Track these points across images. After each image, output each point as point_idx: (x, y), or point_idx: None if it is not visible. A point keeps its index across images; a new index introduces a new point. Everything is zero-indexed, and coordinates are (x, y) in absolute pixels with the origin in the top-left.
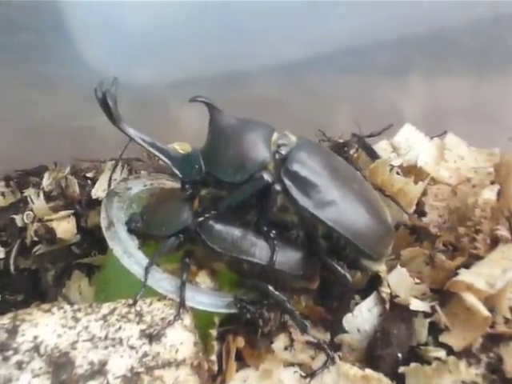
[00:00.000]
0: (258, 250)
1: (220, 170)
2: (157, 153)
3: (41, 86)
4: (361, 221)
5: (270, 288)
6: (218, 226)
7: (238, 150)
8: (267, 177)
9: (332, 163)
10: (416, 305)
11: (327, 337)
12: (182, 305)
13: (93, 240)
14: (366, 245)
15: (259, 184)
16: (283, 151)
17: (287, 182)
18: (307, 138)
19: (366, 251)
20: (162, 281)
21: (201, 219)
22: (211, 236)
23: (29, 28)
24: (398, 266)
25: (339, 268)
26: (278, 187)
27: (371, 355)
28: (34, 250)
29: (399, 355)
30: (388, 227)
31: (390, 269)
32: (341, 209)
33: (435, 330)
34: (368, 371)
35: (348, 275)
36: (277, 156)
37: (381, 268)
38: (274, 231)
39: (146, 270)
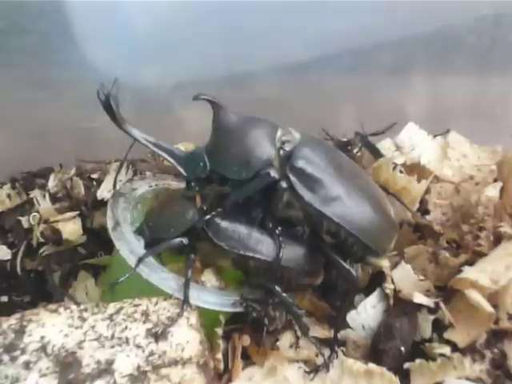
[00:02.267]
0: (265, 246)
1: (225, 167)
2: (161, 152)
3: (46, 88)
4: (366, 216)
5: (277, 289)
6: (225, 224)
7: (243, 146)
8: (274, 173)
9: (336, 159)
10: (419, 298)
11: (331, 333)
12: (185, 301)
13: (98, 241)
14: (371, 240)
15: (266, 180)
16: (287, 148)
17: (293, 178)
18: (310, 134)
19: (371, 246)
20: (168, 280)
21: (208, 217)
22: (218, 233)
23: (34, 30)
24: (403, 263)
25: (344, 263)
26: (284, 184)
27: (374, 350)
28: (41, 251)
29: (402, 349)
30: (392, 222)
31: (394, 265)
32: (346, 204)
33: (440, 327)
34: (371, 365)
35: (353, 270)
36: (281, 153)
37: (384, 264)
38: (279, 228)
39: (139, 259)
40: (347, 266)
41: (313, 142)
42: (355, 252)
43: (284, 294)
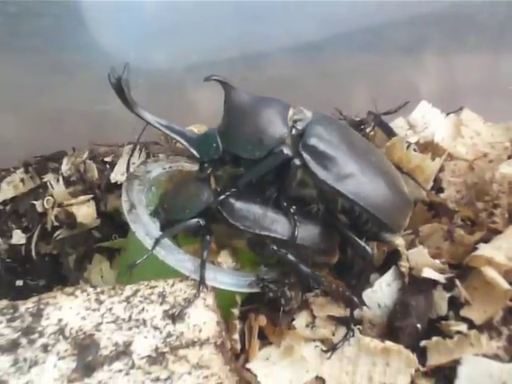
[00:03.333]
0: (280, 225)
1: (238, 147)
2: (173, 135)
3: (58, 72)
4: (380, 192)
5: (273, 246)
6: (239, 204)
7: (256, 126)
8: (287, 151)
9: (348, 137)
10: (428, 273)
11: (347, 312)
12: (201, 282)
13: (112, 224)
14: (386, 216)
15: (279, 158)
16: (299, 126)
17: (306, 156)
18: (322, 112)
19: (386, 222)
20: (184, 261)
21: (222, 197)
22: (233, 213)
23: (46, 14)
24: (418, 244)
25: (359, 240)
26: (297, 162)
27: (391, 327)
28: (55, 234)
29: (418, 326)
30: (406, 198)
31: (409, 244)
32: (360, 181)
33: (456, 304)
34: (388, 343)
35: (368, 247)
36: (293, 131)
37: (399, 242)
38: (293, 206)
39: (156, 241)
40: (363, 244)
41: (325, 120)
42: (370, 230)
43: (276, 248)
